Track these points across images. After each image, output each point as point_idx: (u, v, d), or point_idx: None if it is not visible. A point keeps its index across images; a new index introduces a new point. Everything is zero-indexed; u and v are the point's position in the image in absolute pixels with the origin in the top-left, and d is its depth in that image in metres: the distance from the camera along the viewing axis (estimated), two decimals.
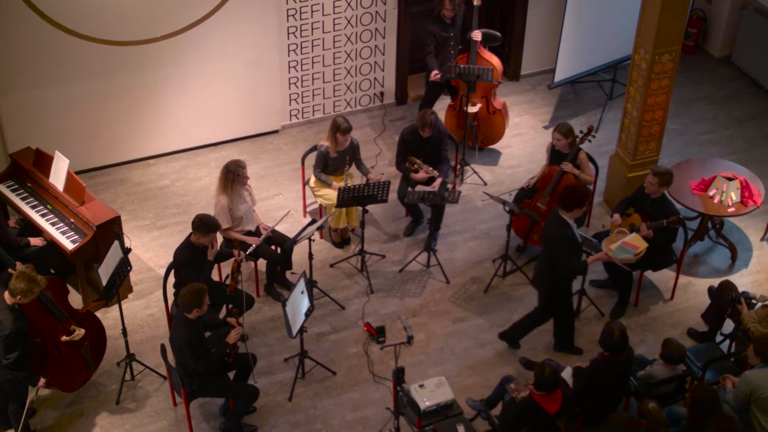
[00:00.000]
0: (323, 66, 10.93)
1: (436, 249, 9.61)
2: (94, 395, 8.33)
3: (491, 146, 10.93)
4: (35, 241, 8.79)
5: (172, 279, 8.36)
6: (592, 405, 7.77)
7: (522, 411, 7.39)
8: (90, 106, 10.07)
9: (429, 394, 7.75)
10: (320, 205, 9.74)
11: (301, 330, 7.98)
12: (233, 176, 8.64)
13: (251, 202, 8.95)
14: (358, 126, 10.99)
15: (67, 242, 8.69)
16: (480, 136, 10.73)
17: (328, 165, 9.46)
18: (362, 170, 9.57)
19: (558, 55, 10.87)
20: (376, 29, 10.93)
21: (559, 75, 11.05)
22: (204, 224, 8.04)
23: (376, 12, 10.82)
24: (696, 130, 11.34)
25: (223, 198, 8.67)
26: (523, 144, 11.09)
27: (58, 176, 8.96)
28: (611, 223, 8.97)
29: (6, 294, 7.34)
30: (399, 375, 7.31)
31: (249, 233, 8.88)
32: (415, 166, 9.42)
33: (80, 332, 7.90)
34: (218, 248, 8.43)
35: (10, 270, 8.10)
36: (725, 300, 8.39)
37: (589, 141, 9.36)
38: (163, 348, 7.84)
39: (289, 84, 10.90)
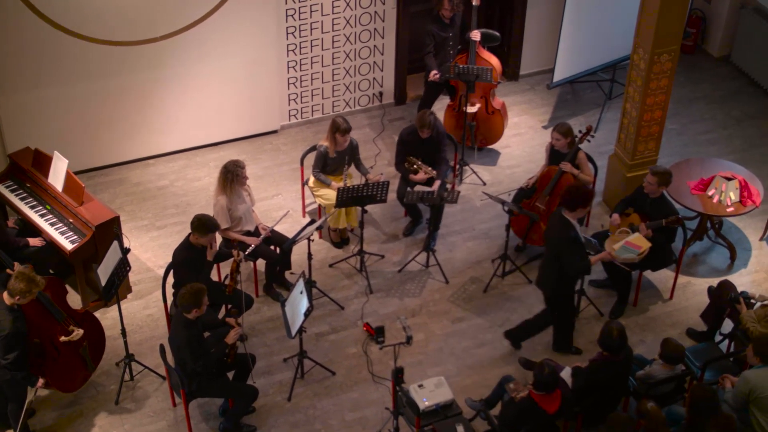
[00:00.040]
0: (322, 66, 10.92)
1: (435, 249, 9.60)
2: (93, 395, 8.32)
3: (490, 146, 10.92)
4: (34, 242, 8.77)
5: (171, 279, 8.35)
6: (591, 405, 7.77)
7: (521, 411, 7.39)
8: (89, 107, 10.07)
9: (428, 394, 7.74)
10: (319, 206, 9.73)
11: (300, 330, 7.97)
12: (232, 176, 8.63)
13: (250, 203, 8.94)
14: (357, 126, 10.98)
15: (66, 242, 8.68)
16: (479, 136, 10.72)
17: (327, 165, 9.45)
18: (361, 170, 9.57)
19: (557, 55, 10.87)
20: (375, 29, 10.93)
21: (558, 75, 11.04)
22: (203, 224, 8.04)
23: (375, 12, 10.81)
24: (695, 129, 11.33)
25: (222, 198, 8.66)
26: (522, 144, 11.08)
27: (57, 176, 8.95)
28: (610, 222, 8.96)
29: (5, 294, 7.33)
30: (398, 375, 7.30)
31: (248, 233, 8.87)
32: (415, 166, 9.41)
33: (79, 332, 7.88)
34: (217, 248, 8.41)
35: (8, 270, 8.10)
36: (724, 300, 8.38)
37: (588, 141, 9.36)
38: (162, 348, 7.84)
39: (288, 84, 10.90)
